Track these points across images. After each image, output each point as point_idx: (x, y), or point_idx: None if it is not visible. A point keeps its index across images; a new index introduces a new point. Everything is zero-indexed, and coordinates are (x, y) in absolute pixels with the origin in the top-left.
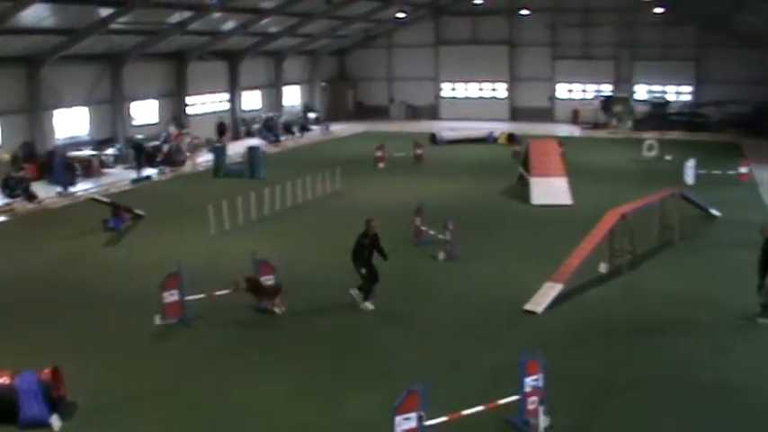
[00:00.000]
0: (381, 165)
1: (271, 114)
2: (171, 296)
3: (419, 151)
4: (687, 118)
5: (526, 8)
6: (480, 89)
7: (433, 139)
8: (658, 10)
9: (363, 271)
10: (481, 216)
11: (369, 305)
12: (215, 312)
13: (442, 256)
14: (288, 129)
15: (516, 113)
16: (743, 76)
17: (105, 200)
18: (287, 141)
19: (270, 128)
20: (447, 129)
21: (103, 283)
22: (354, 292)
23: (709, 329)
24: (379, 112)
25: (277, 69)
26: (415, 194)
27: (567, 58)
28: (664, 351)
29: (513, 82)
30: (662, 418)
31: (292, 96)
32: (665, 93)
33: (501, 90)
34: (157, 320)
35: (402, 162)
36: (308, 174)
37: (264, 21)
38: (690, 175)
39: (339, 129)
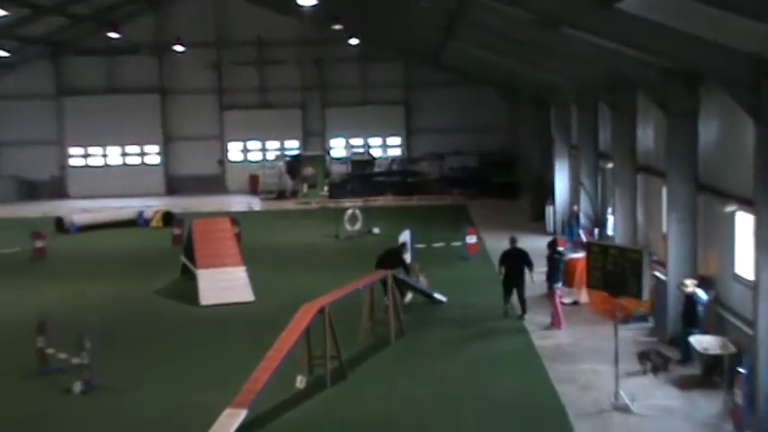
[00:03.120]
0: None
1: None
2: None
3: (40, 244)
4: (398, 178)
5: (179, 43)
6: (124, 154)
7: (61, 225)
8: (353, 41)
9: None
10: (133, 327)
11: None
12: None
13: (78, 386)
14: None
15: (175, 184)
16: (465, 121)
17: None
18: None
19: None
20: (80, 210)
21: None
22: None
23: None
24: None
25: None
26: (36, 305)
27: (241, 107)
28: None
29: (168, 142)
30: None
31: None
32: (369, 147)
33: (153, 154)
34: None
35: (16, 261)
36: None
37: None
38: (405, 252)
39: None
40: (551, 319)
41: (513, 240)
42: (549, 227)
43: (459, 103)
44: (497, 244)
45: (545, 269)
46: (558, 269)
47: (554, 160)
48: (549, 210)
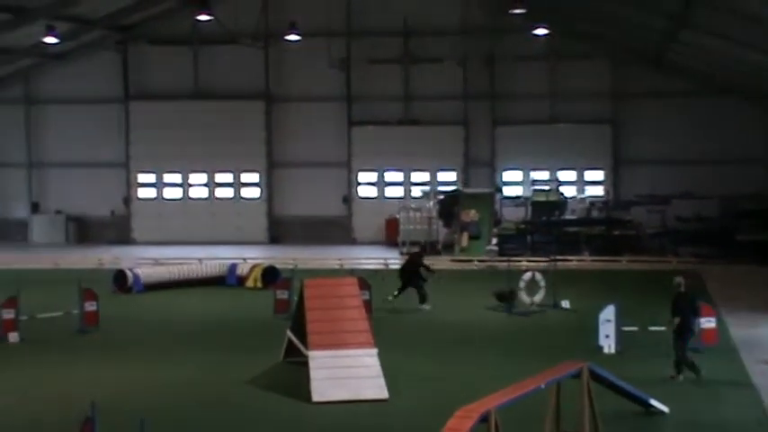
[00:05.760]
0: (14, 336)
1: None
2: None
3: (91, 307)
4: (600, 229)
5: (294, 31)
6: (212, 184)
7: (121, 281)
8: (539, 31)
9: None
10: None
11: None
12: None
13: None
14: None
15: (281, 229)
16: (701, 149)
17: None
18: None
19: None
20: (148, 262)
21: None
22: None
23: None
24: (9, 231)
25: None
26: (81, 394)
27: (377, 122)
28: None
29: (273, 169)
30: None
31: None
32: (558, 184)
33: (251, 185)
34: None
35: (57, 329)
36: None
37: None
38: (608, 337)
39: None
40: None
41: (680, 284)
42: None
43: (691, 123)
44: (748, 332)
45: None
46: None
47: None
48: None
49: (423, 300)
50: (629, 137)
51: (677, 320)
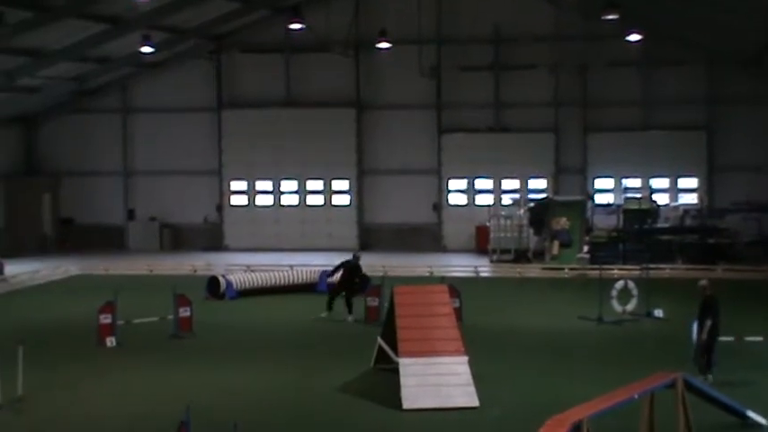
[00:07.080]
0: (112, 341)
1: None
2: None
3: (185, 312)
4: (693, 237)
5: (384, 38)
6: (304, 191)
7: (215, 288)
8: (632, 37)
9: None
10: None
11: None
12: None
13: None
14: None
15: (371, 236)
16: None
17: None
18: None
19: None
20: (241, 269)
21: None
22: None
23: None
24: (106, 237)
25: None
26: (175, 399)
27: (467, 130)
28: None
29: (363, 176)
30: None
31: None
32: (651, 192)
33: (342, 193)
34: None
35: (151, 335)
36: None
37: None
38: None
39: (24, 270)
40: None
41: (704, 287)
42: None
43: None
44: None
45: None
46: None
47: None
48: None
49: (350, 310)
50: (725, 143)
51: (709, 323)
